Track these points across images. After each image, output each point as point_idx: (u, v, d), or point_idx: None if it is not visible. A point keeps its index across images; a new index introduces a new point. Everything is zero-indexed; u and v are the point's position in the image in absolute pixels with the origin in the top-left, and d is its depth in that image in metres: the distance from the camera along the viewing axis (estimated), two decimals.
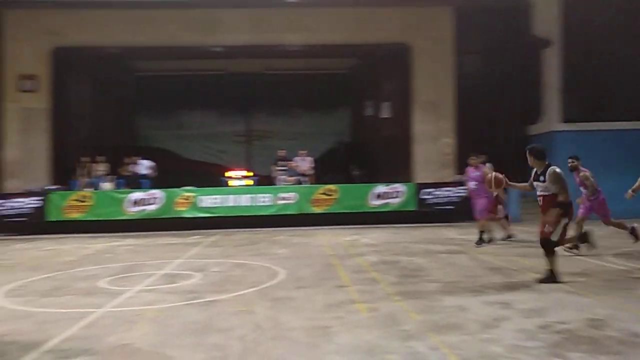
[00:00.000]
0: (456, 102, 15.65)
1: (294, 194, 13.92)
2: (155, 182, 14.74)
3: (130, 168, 15.06)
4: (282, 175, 14.87)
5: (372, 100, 18.04)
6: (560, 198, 5.76)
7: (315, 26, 15.69)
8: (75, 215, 13.62)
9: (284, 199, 13.87)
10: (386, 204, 13.79)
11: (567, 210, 5.83)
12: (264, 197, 13.94)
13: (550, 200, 5.86)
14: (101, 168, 14.89)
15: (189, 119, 20.62)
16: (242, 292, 5.79)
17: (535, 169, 6.06)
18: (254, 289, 5.96)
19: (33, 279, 6.97)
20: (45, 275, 7.24)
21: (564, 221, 5.81)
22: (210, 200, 13.87)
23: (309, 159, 15.39)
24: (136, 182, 14.71)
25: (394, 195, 13.88)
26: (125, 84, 19.23)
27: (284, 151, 15.54)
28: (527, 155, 6.07)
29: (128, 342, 4.00)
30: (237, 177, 15.75)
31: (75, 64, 16.31)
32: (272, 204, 13.91)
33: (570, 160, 8.54)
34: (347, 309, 4.93)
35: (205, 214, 13.82)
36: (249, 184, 15.37)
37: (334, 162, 18.28)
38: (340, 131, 20.63)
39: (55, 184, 14.75)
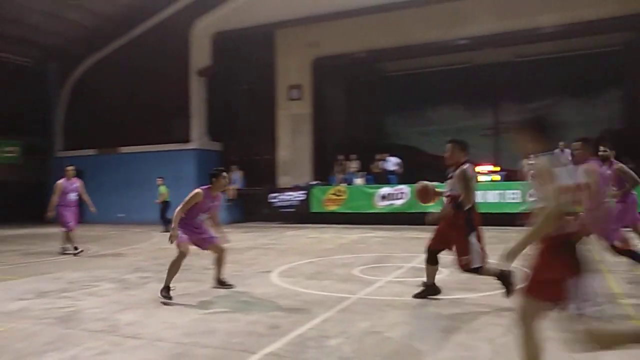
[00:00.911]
0: None
1: None
2: (402, 177, 15.25)
3: (380, 165, 15.91)
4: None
5: None
6: (463, 200, 4.89)
7: (572, 2, 13.96)
8: (333, 208, 15.10)
9: None
10: None
11: (469, 220, 4.87)
12: (513, 193, 13.07)
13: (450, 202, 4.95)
14: (354, 165, 16.16)
15: (434, 114, 20.66)
16: (490, 293, 5.51)
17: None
18: (503, 290, 5.60)
19: (300, 263, 7.95)
20: (309, 260, 8.19)
21: (473, 239, 4.85)
22: None
23: (568, 150, 13.76)
24: (385, 177, 15.49)
25: None
26: (374, 86, 20.39)
27: None
28: (450, 147, 5.21)
29: (378, 330, 4.20)
30: (483, 172, 15.14)
31: (331, 71, 18.00)
32: (523, 200, 12.93)
33: (602, 149, 6.41)
34: (619, 324, 4.22)
35: None
36: (496, 179, 14.61)
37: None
38: (609, 117, 17.86)
39: (316, 180, 16.63)
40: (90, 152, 19.30)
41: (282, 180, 17.65)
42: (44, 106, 20.91)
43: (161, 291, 5.49)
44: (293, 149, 17.86)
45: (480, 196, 13.33)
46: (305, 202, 15.49)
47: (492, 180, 14.56)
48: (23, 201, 18.99)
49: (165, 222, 13.80)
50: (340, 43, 16.91)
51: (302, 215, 15.54)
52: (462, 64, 18.72)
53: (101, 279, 6.83)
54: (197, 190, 5.67)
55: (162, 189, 14.66)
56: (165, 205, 14.43)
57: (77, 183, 10.04)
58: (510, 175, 14.65)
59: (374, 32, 16.37)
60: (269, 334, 4.13)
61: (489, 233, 11.57)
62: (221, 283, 6.08)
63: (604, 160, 6.46)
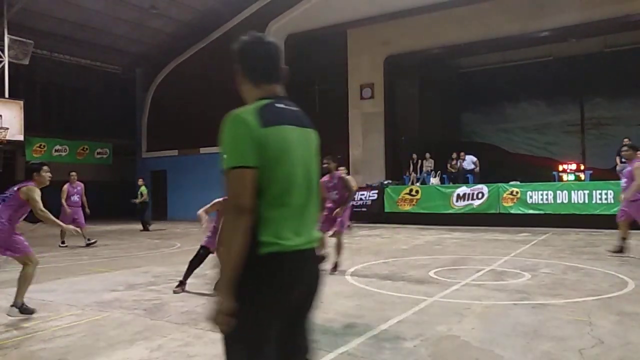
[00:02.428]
0: None
1: None
2: (481, 177, 14.75)
3: (455, 163, 15.48)
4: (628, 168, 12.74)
5: None
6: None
7: None
8: (407, 208, 14.88)
9: None
10: None
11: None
12: (603, 193, 12.24)
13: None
14: (428, 164, 15.84)
15: (513, 111, 19.83)
16: (578, 300, 5.19)
17: None
18: (593, 297, 5.26)
19: (374, 263, 7.91)
20: (383, 260, 8.12)
21: None
22: (539, 196, 13.01)
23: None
24: (461, 177, 15.05)
25: None
26: (449, 82, 19.89)
27: (628, 140, 13.26)
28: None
29: (456, 333, 4.08)
30: (569, 171, 14.30)
31: (403, 68, 17.76)
32: (615, 202, 12.07)
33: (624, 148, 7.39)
34: None
35: (533, 211, 13.05)
36: (583, 178, 13.75)
37: None
38: None
39: (389, 179, 16.46)
40: (172, 153, 20.32)
41: (355, 180, 17.61)
42: (131, 110, 22.33)
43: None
44: (365, 148, 17.81)
45: (566, 196, 12.72)
46: (378, 202, 15.39)
47: (577, 180, 13.73)
48: (113, 199, 20.36)
49: (143, 221, 15.11)
50: (412, 40, 16.64)
51: (375, 215, 15.44)
52: (543, 57, 17.81)
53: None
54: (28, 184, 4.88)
55: (143, 189, 15.24)
56: (144, 206, 15.18)
57: (80, 187, 10.88)
58: (599, 174, 13.76)
59: (447, 27, 15.95)
60: (343, 333, 4.14)
61: (575, 235, 11.02)
62: (21, 309, 4.77)
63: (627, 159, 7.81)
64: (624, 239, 7.88)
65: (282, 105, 1.89)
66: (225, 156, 1.75)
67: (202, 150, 19.52)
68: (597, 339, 3.89)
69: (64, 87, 21.32)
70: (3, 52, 14.93)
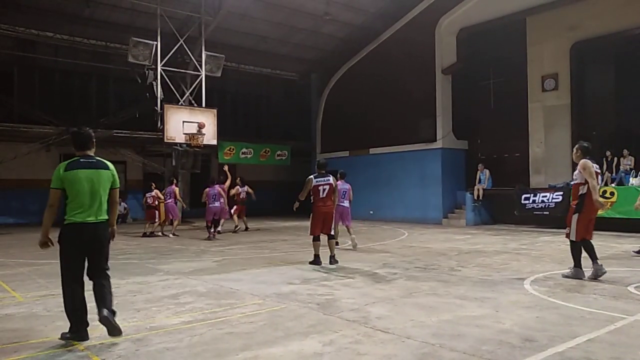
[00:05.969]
0: None
1: None
2: None
3: None
4: None
5: None
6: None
7: None
8: (599, 212, 13.12)
9: None
10: None
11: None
12: None
13: None
14: (627, 162, 13.83)
15: None
16: None
17: None
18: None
19: (558, 272, 7.15)
20: (570, 270, 7.28)
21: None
22: None
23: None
24: None
25: None
26: None
27: None
28: None
29: None
30: None
31: (594, 55, 15.77)
32: None
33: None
34: None
35: None
36: None
37: None
38: None
39: None
40: (344, 153, 21.06)
41: (535, 180, 16.23)
42: (307, 114, 23.77)
43: None
44: (548, 144, 16.27)
45: None
46: (562, 205, 13.89)
47: None
48: (291, 197, 21.88)
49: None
50: (606, 21, 14.69)
51: (559, 219, 13.94)
52: None
53: (355, 272, 7.35)
54: None
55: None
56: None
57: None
58: None
59: None
60: (522, 347, 3.80)
61: None
62: None
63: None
64: None
65: (83, 160, 4.12)
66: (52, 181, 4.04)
67: (372, 150, 19.87)
68: None
69: (249, 95, 23.63)
70: (201, 67, 17.07)
